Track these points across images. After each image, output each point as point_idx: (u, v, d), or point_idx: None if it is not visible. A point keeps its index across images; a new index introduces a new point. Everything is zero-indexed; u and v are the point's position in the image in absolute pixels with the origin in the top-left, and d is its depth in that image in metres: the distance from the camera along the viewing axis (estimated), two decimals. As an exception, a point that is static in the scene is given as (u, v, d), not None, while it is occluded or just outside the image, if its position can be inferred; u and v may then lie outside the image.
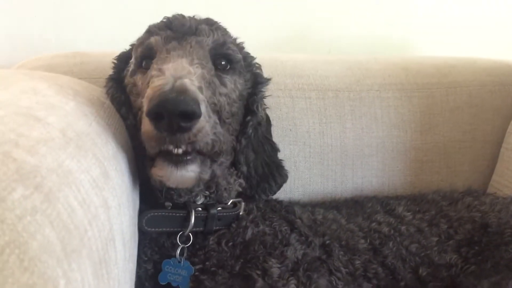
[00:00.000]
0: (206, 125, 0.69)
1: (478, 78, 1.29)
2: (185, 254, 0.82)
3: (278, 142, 1.13)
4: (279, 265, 0.79)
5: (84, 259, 0.42)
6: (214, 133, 0.73)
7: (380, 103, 1.22)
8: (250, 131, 0.91)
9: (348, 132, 1.20)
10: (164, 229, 0.83)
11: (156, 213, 0.82)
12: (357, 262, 0.89)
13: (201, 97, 0.68)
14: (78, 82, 0.87)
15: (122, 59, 0.92)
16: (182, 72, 0.69)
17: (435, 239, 0.95)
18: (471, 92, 1.27)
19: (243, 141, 0.90)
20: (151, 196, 0.85)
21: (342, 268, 0.87)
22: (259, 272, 0.77)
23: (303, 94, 1.18)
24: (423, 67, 1.30)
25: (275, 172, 0.95)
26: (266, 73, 1.16)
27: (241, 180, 0.92)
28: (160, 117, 0.64)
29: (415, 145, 1.23)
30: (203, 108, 0.67)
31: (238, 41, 0.93)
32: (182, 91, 0.64)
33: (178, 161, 0.70)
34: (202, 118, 0.67)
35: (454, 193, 1.08)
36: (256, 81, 0.94)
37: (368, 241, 0.94)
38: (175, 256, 0.81)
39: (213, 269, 0.78)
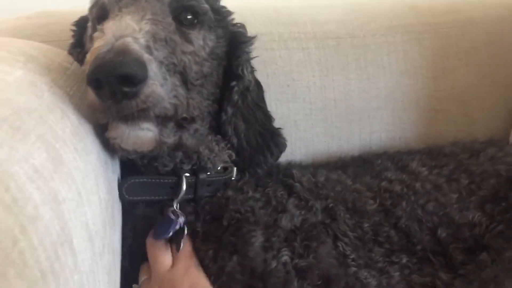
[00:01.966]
0: (158, 89, 0.60)
1: (496, 13, 1.16)
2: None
3: (275, 100, 1.03)
4: (265, 234, 0.73)
5: (12, 282, 0.32)
6: (174, 96, 0.65)
7: (387, 49, 1.09)
8: (236, 97, 0.83)
9: (353, 84, 1.08)
10: (148, 197, 0.76)
11: (138, 180, 0.75)
12: (366, 225, 0.81)
13: (147, 57, 0.59)
14: (37, 46, 0.75)
15: (81, 24, 0.85)
16: (125, 30, 0.60)
17: (455, 195, 0.85)
18: (489, 29, 1.14)
19: (229, 110, 0.82)
20: (133, 165, 0.77)
21: (349, 232, 0.79)
22: (227, 252, 0.70)
23: (300, 45, 1.06)
24: (434, 5, 1.16)
25: (270, 142, 0.87)
26: (257, 23, 1.05)
27: (231, 151, 0.84)
28: (101, 84, 0.56)
29: (427, 93, 1.11)
30: (151, 69, 0.59)
31: None
32: (121, 52, 0.56)
33: (128, 117, 0.61)
34: (151, 81, 0.59)
35: (474, 144, 0.98)
36: (238, 41, 0.84)
37: (378, 201, 0.85)
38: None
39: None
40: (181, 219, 0.74)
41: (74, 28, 0.86)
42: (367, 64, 1.08)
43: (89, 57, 0.59)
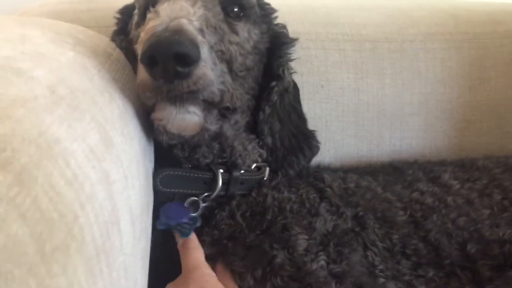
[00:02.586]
0: (209, 72, 0.61)
1: (539, 25, 1.13)
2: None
3: (308, 99, 1.02)
4: (306, 237, 0.71)
5: (73, 257, 0.32)
6: (222, 83, 0.66)
7: (425, 56, 1.07)
8: (276, 98, 0.82)
9: (387, 89, 1.06)
10: (182, 190, 0.76)
11: (173, 172, 0.75)
12: (395, 236, 0.79)
13: (200, 39, 0.59)
14: (82, 30, 0.75)
15: (125, 12, 0.85)
16: (180, 12, 0.61)
17: (487, 211, 0.84)
18: (530, 43, 1.11)
19: (267, 109, 0.82)
20: (169, 158, 0.76)
21: (378, 243, 0.78)
22: (278, 245, 0.69)
23: (337, 46, 1.04)
24: (475, 14, 1.14)
25: (303, 144, 0.86)
26: (295, 21, 1.04)
27: (262, 151, 0.83)
28: (154, 61, 0.56)
29: (462, 103, 1.09)
30: (204, 51, 0.60)
31: None
32: (177, 31, 0.56)
33: (178, 98, 0.62)
34: (203, 63, 0.59)
35: (508, 159, 0.96)
36: (280, 42, 0.85)
37: (408, 213, 0.83)
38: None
39: (224, 241, 0.72)
40: (196, 212, 0.75)
41: (118, 15, 0.86)
42: (402, 69, 1.07)
43: (143, 35, 0.60)
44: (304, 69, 1.01)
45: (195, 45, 0.58)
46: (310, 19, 1.06)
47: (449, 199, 0.86)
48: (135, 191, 0.55)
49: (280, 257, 0.68)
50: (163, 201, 0.76)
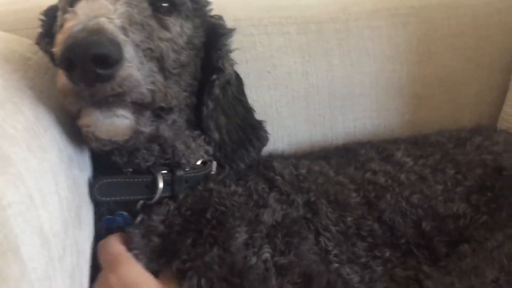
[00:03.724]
0: (135, 72, 0.58)
1: (482, -5, 1.12)
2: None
3: (256, 86, 1.00)
4: (248, 231, 0.70)
5: None
6: (152, 83, 0.62)
7: (371, 33, 1.05)
8: (218, 91, 0.80)
9: (336, 70, 1.04)
10: (123, 197, 0.72)
11: (111, 180, 0.71)
12: (349, 219, 0.79)
13: (122, 38, 0.56)
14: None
15: (50, 14, 0.81)
16: (99, 11, 0.57)
17: (441, 187, 0.83)
18: (476, 12, 1.10)
19: (210, 104, 0.80)
20: (109, 165, 0.73)
21: (331, 227, 0.77)
22: (211, 242, 0.67)
23: (281, 29, 1.01)
24: (419, -13, 1.11)
25: (251, 136, 0.85)
26: (235, 7, 1.01)
27: (208, 147, 0.81)
28: (73, 65, 0.53)
29: (412, 78, 1.08)
30: (127, 51, 0.56)
31: None
32: (95, 31, 0.53)
33: (103, 102, 0.58)
34: (127, 63, 0.56)
35: (460, 132, 0.95)
36: (217, 34, 0.82)
37: (362, 194, 0.83)
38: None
39: (162, 237, 0.70)
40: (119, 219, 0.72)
41: (42, 17, 0.81)
42: (350, 49, 1.04)
43: (60, 37, 0.56)
44: (249, 56, 0.98)
45: (117, 45, 0.55)
46: (251, 4, 1.03)
47: (402, 176, 0.85)
48: (51, 208, 0.51)
49: (210, 255, 0.65)
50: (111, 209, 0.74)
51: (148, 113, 0.65)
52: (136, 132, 0.64)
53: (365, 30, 1.05)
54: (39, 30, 0.81)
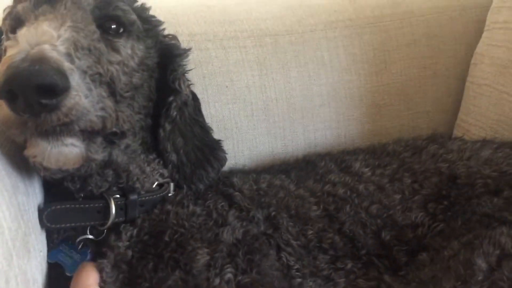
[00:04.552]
0: (81, 100, 0.56)
1: (435, 4, 1.14)
2: (90, 247, 0.71)
3: (214, 101, 0.99)
4: (209, 252, 0.69)
5: None
6: (102, 108, 0.60)
7: (327, 45, 1.06)
8: (175, 113, 0.79)
9: (294, 82, 1.04)
10: (74, 224, 0.70)
11: (60, 206, 0.69)
12: (310, 232, 0.78)
13: (67, 65, 0.54)
14: None
15: None
16: (42, 37, 0.55)
17: (398, 196, 0.83)
18: (429, 21, 1.12)
19: (167, 126, 0.79)
20: (61, 190, 0.71)
21: (292, 241, 0.77)
22: (172, 266, 0.66)
23: (237, 43, 1.01)
24: (372, -2, 1.13)
25: (210, 156, 0.83)
26: (190, 22, 1.00)
27: (163, 170, 0.80)
28: (15, 96, 0.51)
29: (370, 88, 1.09)
30: (74, 79, 0.54)
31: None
32: (38, 60, 0.51)
33: (49, 132, 0.56)
34: (73, 92, 0.54)
35: (417, 141, 0.96)
36: (171, 54, 0.81)
37: (322, 207, 0.82)
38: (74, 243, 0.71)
39: (123, 265, 0.68)
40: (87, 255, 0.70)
41: None
42: (307, 61, 1.05)
43: (0, 67, 0.53)
44: (206, 71, 0.98)
45: (61, 73, 0.53)
46: (206, 18, 1.02)
47: (361, 187, 0.85)
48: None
49: (173, 279, 0.64)
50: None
51: (99, 140, 0.63)
52: (87, 160, 0.62)
53: (321, 42, 1.06)
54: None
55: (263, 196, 0.83)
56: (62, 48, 0.56)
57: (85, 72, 0.59)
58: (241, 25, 1.02)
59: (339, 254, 0.77)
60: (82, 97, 0.56)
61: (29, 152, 0.59)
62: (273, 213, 0.79)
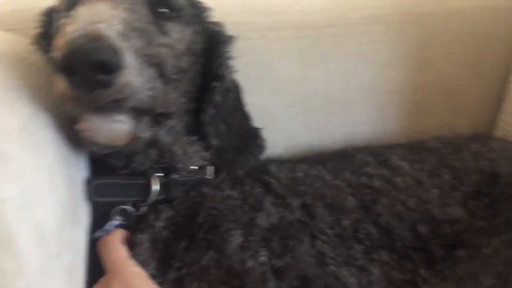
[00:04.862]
0: (134, 79, 0.57)
1: (481, 3, 1.11)
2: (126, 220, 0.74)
3: (252, 91, 0.99)
4: (243, 234, 0.70)
5: None
6: (152, 89, 0.62)
7: (370, 39, 1.05)
8: (218, 98, 0.80)
9: (333, 75, 1.03)
10: (118, 198, 0.73)
11: (106, 180, 0.72)
12: (345, 222, 0.78)
13: (122, 44, 0.56)
14: (-6, 34, 0.71)
15: (49, 14, 0.81)
16: (99, 16, 0.57)
17: (437, 191, 0.82)
18: (476, 20, 1.09)
19: (211, 111, 0.80)
20: (105, 165, 0.73)
21: (327, 230, 0.76)
22: (205, 246, 0.67)
23: (280, 34, 1.01)
24: (418, -6, 1.11)
25: (250, 143, 0.85)
26: (234, 11, 1.01)
27: (205, 153, 0.81)
28: (72, 70, 0.52)
29: (411, 85, 1.07)
30: (128, 58, 0.56)
31: None
32: (95, 38, 0.53)
33: (102, 108, 0.58)
34: (126, 70, 0.55)
35: (457, 139, 0.94)
36: (217, 41, 0.82)
37: (358, 198, 0.82)
38: None
39: (159, 244, 0.70)
40: (114, 222, 0.72)
41: (41, 18, 0.82)
42: (348, 54, 1.04)
43: (59, 42, 0.56)
44: (246, 61, 0.97)
45: (116, 52, 0.55)
46: (250, 8, 1.02)
47: (398, 180, 0.84)
48: (47, 206, 0.51)
49: (206, 259, 0.65)
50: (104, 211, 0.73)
51: (146, 119, 0.66)
52: (135, 137, 0.64)
53: (364, 36, 1.05)
54: (37, 30, 0.81)
55: (299, 184, 0.83)
56: (117, 28, 0.58)
57: (137, 52, 0.60)
58: (284, 16, 1.02)
59: (374, 245, 0.77)
60: (134, 76, 0.58)
61: (81, 126, 0.61)
62: (308, 202, 0.80)
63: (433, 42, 1.08)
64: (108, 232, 0.71)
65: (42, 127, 0.58)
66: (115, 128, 0.61)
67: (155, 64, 0.66)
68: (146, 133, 0.66)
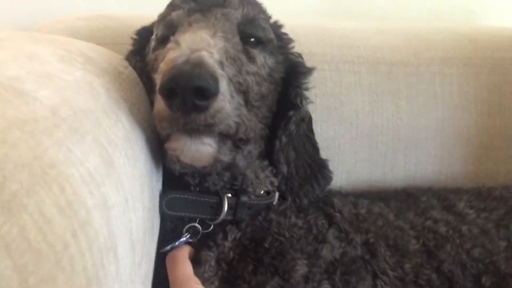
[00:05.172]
0: (226, 106, 0.60)
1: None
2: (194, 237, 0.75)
3: (322, 121, 1.01)
4: (308, 264, 0.70)
5: (59, 289, 0.31)
6: (238, 115, 0.65)
7: (442, 80, 1.05)
8: (293, 127, 0.82)
9: (403, 112, 1.04)
10: (188, 214, 0.75)
11: (179, 195, 0.74)
12: (407, 265, 0.77)
13: (220, 72, 0.59)
14: (95, 48, 0.76)
15: (143, 34, 0.86)
16: (201, 44, 0.60)
17: (504, 243, 0.81)
18: (552, 72, 1.08)
19: (284, 138, 0.82)
20: (178, 180, 0.76)
21: (389, 271, 0.76)
22: (271, 272, 0.68)
23: (352, 68, 1.03)
24: (494, 39, 1.11)
25: (317, 174, 0.85)
26: (309, 42, 1.04)
27: (274, 179, 0.83)
28: (173, 94, 0.56)
29: (480, 129, 1.07)
30: (223, 85, 0.59)
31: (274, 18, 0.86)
32: (198, 64, 0.56)
33: (193, 130, 0.61)
34: (221, 96, 0.59)
35: (527, 189, 0.92)
36: (297, 71, 0.84)
37: (421, 241, 0.81)
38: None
39: (223, 264, 0.71)
40: (182, 238, 0.74)
41: (135, 36, 0.87)
42: (418, 93, 1.05)
43: (163, 66, 0.59)
44: (318, 91, 1.00)
45: (215, 79, 0.57)
46: (325, 40, 1.05)
47: (464, 228, 0.83)
48: (137, 214, 0.54)
49: (271, 284, 0.66)
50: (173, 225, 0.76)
51: (229, 143, 0.68)
52: (216, 160, 0.66)
53: (436, 76, 1.05)
54: (130, 47, 0.86)
55: (361, 221, 0.83)
56: (217, 56, 0.61)
57: (230, 80, 0.64)
58: (358, 51, 1.04)
59: None
60: (227, 103, 0.61)
61: (170, 145, 0.64)
62: (371, 240, 0.79)
63: (505, 89, 1.08)
64: (175, 247, 0.74)
65: (137, 139, 0.61)
66: (201, 150, 0.63)
67: (242, 91, 0.69)
68: (226, 157, 0.68)
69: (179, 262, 0.70)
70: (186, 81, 0.55)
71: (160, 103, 0.60)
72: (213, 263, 0.72)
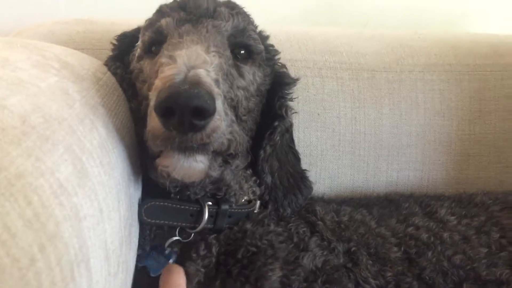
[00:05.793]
0: (221, 124, 0.59)
1: (538, 60, 1.11)
2: (176, 249, 0.74)
3: (304, 127, 1.01)
4: (285, 271, 0.70)
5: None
6: (230, 132, 0.64)
7: (423, 87, 1.06)
8: (278, 137, 0.82)
9: (385, 119, 1.04)
10: (167, 222, 0.74)
11: (159, 203, 0.73)
12: (389, 274, 0.77)
13: (217, 91, 0.58)
14: (73, 53, 0.74)
15: (123, 40, 0.84)
16: (197, 61, 0.59)
17: (484, 250, 0.81)
18: (533, 77, 1.09)
19: (268, 148, 0.82)
20: (158, 187, 0.74)
21: (371, 280, 0.76)
22: (249, 278, 0.68)
23: (335, 74, 1.03)
24: (476, 46, 1.12)
25: (300, 183, 0.86)
26: (292, 48, 1.04)
27: (256, 188, 0.83)
28: (170, 113, 0.54)
29: (461, 135, 1.07)
30: (219, 104, 0.58)
31: (260, 27, 0.85)
32: (196, 83, 0.55)
33: (187, 148, 0.60)
34: (217, 116, 0.57)
35: (508, 195, 0.93)
36: (281, 82, 0.84)
37: (403, 249, 0.81)
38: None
39: (199, 277, 0.71)
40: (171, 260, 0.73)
41: (115, 42, 0.85)
42: (400, 99, 1.05)
43: (159, 83, 0.57)
44: (300, 97, 1.00)
45: (212, 98, 0.56)
46: (308, 46, 1.05)
47: (445, 235, 0.83)
48: (113, 224, 0.52)
49: None
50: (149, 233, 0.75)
51: (219, 159, 0.68)
52: (206, 176, 0.65)
53: (418, 83, 1.06)
54: (110, 53, 0.85)
55: (343, 229, 0.83)
56: (213, 74, 0.60)
57: (224, 97, 0.63)
58: (341, 57, 1.04)
59: None
60: (222, 121, 0.60)
61: (162, 161, 0.63)
62: (353, 248, 0.79)
63: (486, 95, 1.09)
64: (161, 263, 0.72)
65: (114, 146, 0.59)
66: (193, 167, 0.62)
67: (233, 106, 0.68)
68: (216, 172, 0.67)
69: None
70: (185, 101, 0.53)
71: (154, 121, 0.58)
72: (202, 278, 0.71)
